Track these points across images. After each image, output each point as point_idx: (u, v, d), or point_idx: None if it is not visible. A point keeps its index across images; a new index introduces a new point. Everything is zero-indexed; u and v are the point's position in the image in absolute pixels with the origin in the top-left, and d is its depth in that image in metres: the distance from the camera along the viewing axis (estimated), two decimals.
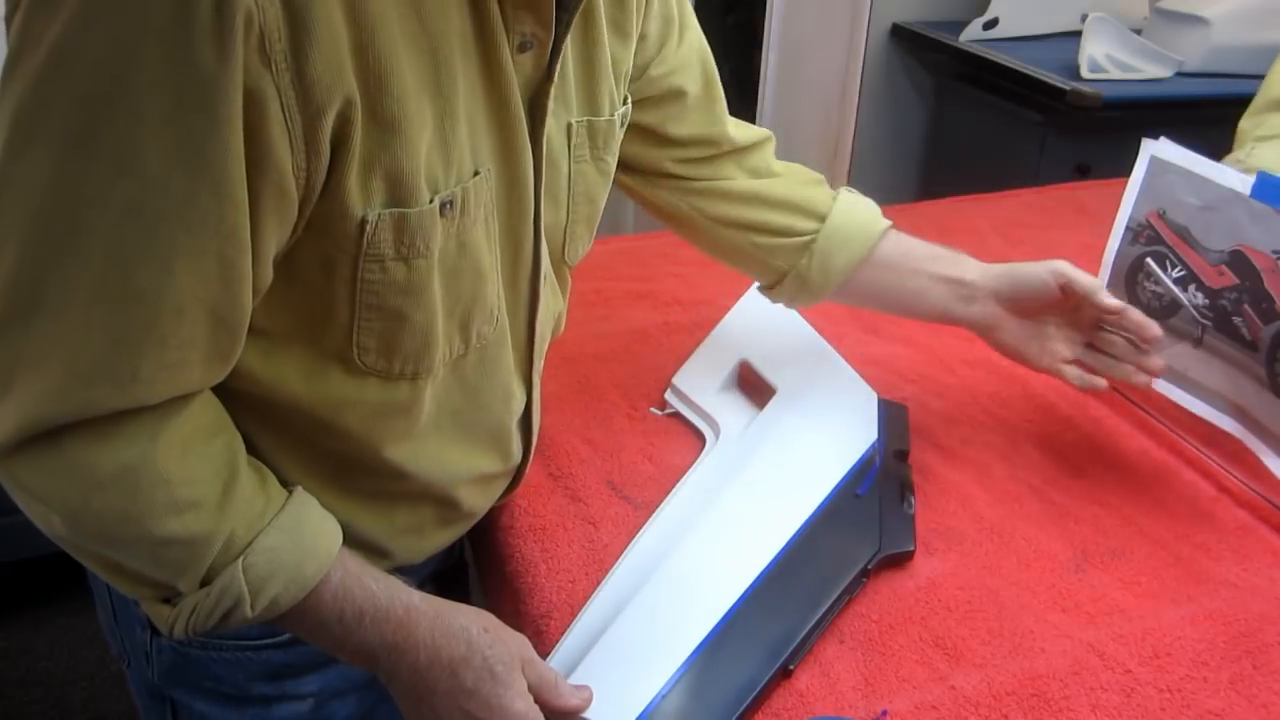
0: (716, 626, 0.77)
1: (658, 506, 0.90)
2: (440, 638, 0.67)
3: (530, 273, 0.74)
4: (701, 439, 0.99)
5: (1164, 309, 0.98)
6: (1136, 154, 0.97)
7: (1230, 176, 0.92)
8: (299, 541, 0.65)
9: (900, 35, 2.15)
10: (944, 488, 0.95)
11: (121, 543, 0.62)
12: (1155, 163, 0.97)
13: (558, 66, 0.68)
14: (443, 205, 0.62)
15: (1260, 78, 1.42)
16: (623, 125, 0.81)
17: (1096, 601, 0.83)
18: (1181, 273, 0.97)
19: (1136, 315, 0.90)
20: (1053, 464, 1.00)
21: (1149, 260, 0.99)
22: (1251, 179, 0.90)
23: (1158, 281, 0.99)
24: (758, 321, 1.12)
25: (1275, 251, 0.90)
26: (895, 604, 0.82)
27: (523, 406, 0.80)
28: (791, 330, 1.12)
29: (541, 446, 0.95)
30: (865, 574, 0.83)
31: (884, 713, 0.72)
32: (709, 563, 0.82)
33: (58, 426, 0.57)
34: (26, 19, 0.51)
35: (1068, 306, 0.93)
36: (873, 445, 0.96)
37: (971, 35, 2.10)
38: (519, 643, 0.70)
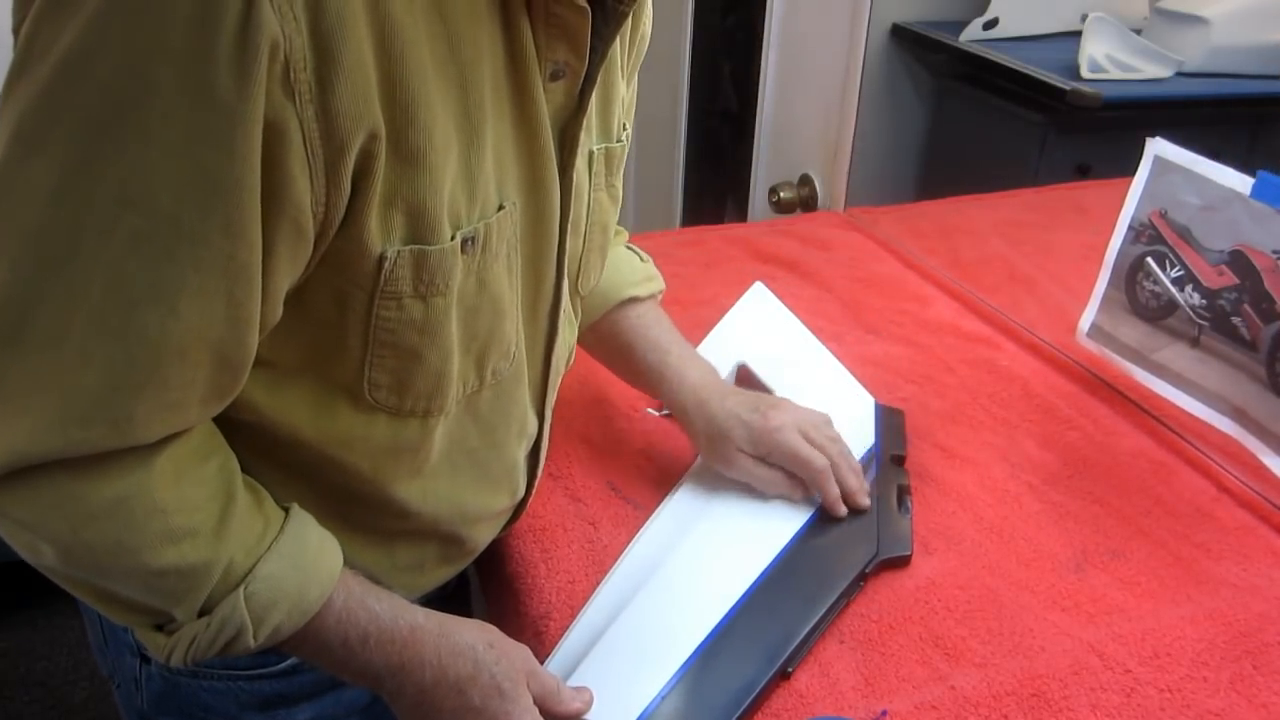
0: (715, 629, 0.77)
1: (656, 508, 0.90)
2: (446, 656, 0.66)
3: (550, 307, 0.72)
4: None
5: (1161, 308, 0.98)
6: (1137, 154, 0.97)
7: (1231, 177, 0.92)
8: (300, 566, 0.62)
9: (900, 35, 2.15)
10: (944, 488, 0.95)
11: (115, 574, 0.59)
12: (1159, 162, 0.97)
13: (591, 97, 0.66)
14: (465, 242, 0.60)
15: (1260, 78, 1.41)
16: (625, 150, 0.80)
17: (1096, 601, 0.83)
18: (1179, 273, 0.97)
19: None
20: (1053, 464, 0.99)
21: (1149, 260, 0.99)
22: (1251, 179, 0.90)
23: (1156, 281, 0.99)
24: (756, 325, 1.12)
25: (1275, 251, 0.90)
26: (895, 604, 0.82)
27: (533, 440, 0.79)
28: (789, 334, 1.13)
29: None
30: (863, 578, 0.83)
31: (884, 713, 0.72)
32: (707, 566, 0.82)
33: (47, 461, 0.54)
34: (36, 24, 0.49)
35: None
36: (870, 450, 0.96)
37: (971, 35, 2.10)
38: (523, 655, 0.70)
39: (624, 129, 0.78)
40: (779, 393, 1.01)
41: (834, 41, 1.65)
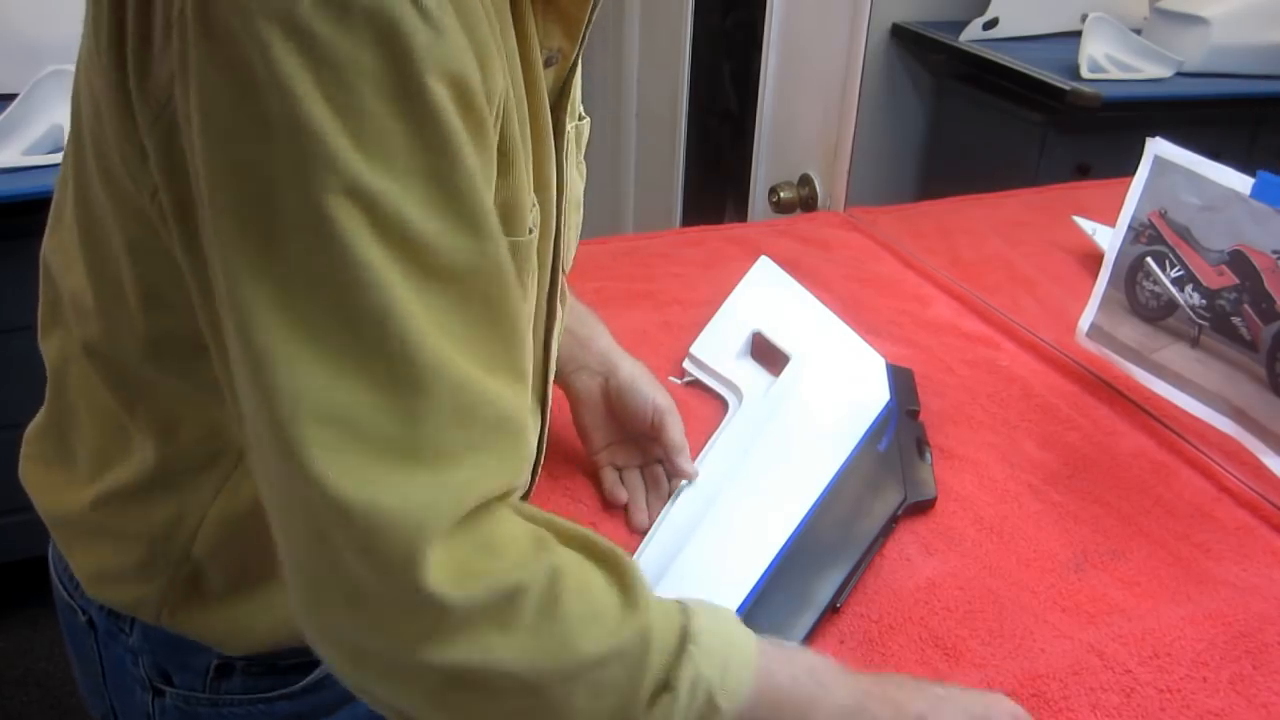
0: (761, 577, 0.80)
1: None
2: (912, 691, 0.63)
3: (549, 289, 0.72)
4: (704, 426, 0.99)
5: (1161, 308, 0.98)
6: (1136, 154, 0.97)
7: (1231, 177, 0.92)
8: (715, 610, 0.57)
9: (900, 35, 2.15)
10: (944, 488, 0.95)
11: (561, 682, 0.51)
12: (1159, 162, 0.97)
13: (575, 80, 0.66)
14: (531, 230, 0.60)
15: (1260, 78, 1.42)
16: None
17: (1096, 601, 0.83)
18: (1179, 273, 0.97)
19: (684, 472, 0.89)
20: (1053, 464, 0.99)
21: (1149, 260, 0.99)
22: (1251, 179, 0.90)
23: (1156, 281, 0.99)
24: (765, 295, 1.17)
25: (1275, 251, 0.90)
26: (895, 604, 0.82)
27: (536, 433, 0.77)
28: (799, 302, 1.17)
29: None
30: (895, 520, 0.88)
31: None
32: (746, 519, 0.86)
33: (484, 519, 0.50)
34: (205, 97, 0.45)
35: (647, 435, 0.90)
36: (887, 405, 1.00)
37: (971, 35, 2.10)
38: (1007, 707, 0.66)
39: (579, 105, 0.80)
40: (795, 356, 1.04)
41: (834, 41, 1.65)
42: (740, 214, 2.00)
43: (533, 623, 0.50)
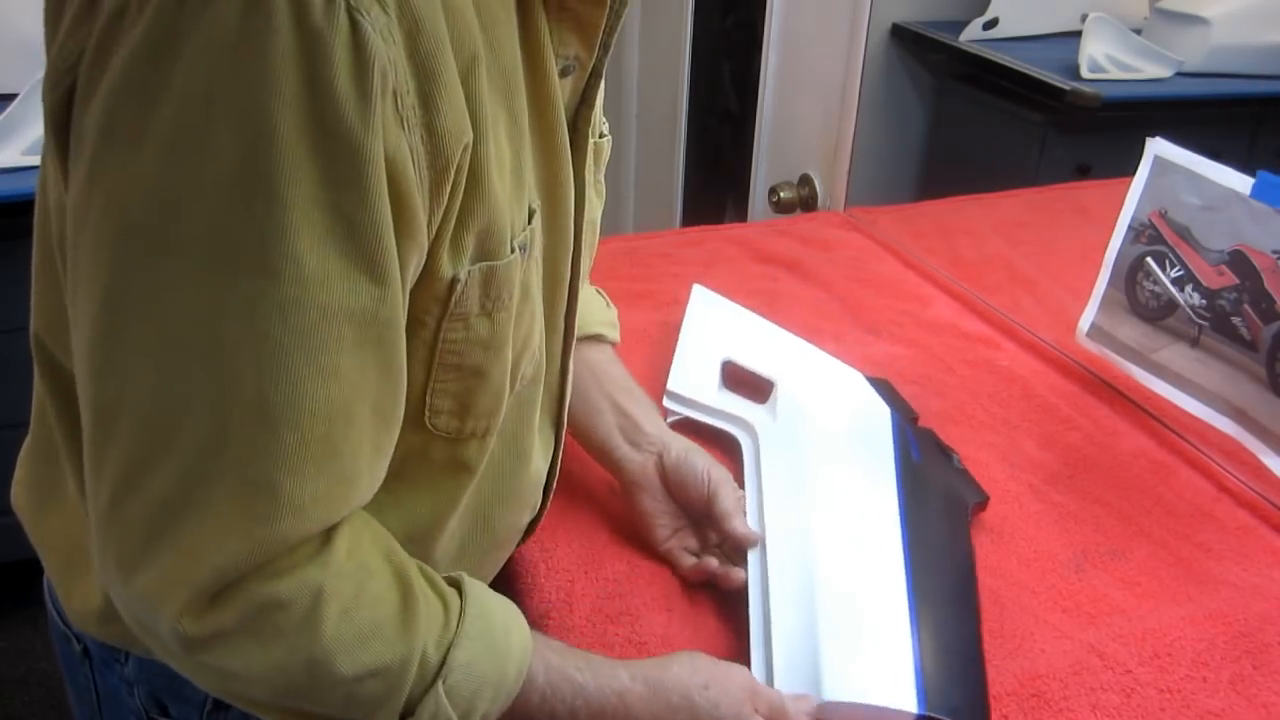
0: (914, 644, 0.75)
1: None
2: (664, 716, 0.63)
3: (566, 308, 0.70)
4: (702, 437, 0.99)
5: (1161, 309, 0.98)
6: (1137, 154, 0.97)
7: (1231, 177, 0.92)
8: (494, 647, 0.59)
9: (900, 35, 2.15)
10: None
11: (312, 692, 0.55)
12: (1159, 162, 0.97)
13: (597, 91, 0.64)
14: (521, 249, 0.58)
15: (1260, 78, 1.42)
16: None
17: (1096, 601, 0.83)
18: (1179, 273, 0.97)
19: (743, 536, 0.83)
20: (1053, 464, 0.99)
21: (1149, 260, 0.99)
22: (1251, 179, 0.90)
23: (1156, 281, 0.99)
24: (718, 324, 1.12)
25: (1275, 251, 0.90)
26: None
27: (550, 453, 0.76)
28: (752, 325, 1.13)
29: None
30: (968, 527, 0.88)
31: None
32: (857, 582, 0.80)
33: (231, 581, 0.50)
34: (111, 108, 0.45)
35: (701, 508, 0.86)
36: (894, 416, 0.97)
37: (971, 35, 2.10)
38: (739, 680, 0.67)
39: (604, 123, 0.78)
40: (776, 379, 1.01)
41: (834, 41, 1.65)
42: (740, 214, 2.00)
43: (290, 637, 0.53)
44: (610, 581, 0.83)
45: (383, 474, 0.56)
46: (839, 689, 0.71)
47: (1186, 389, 1.00)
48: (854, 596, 0.78)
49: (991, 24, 2.12)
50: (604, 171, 0.78)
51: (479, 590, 0.62)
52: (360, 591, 0.54)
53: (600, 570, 0.84)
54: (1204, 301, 0.95)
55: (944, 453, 0.94)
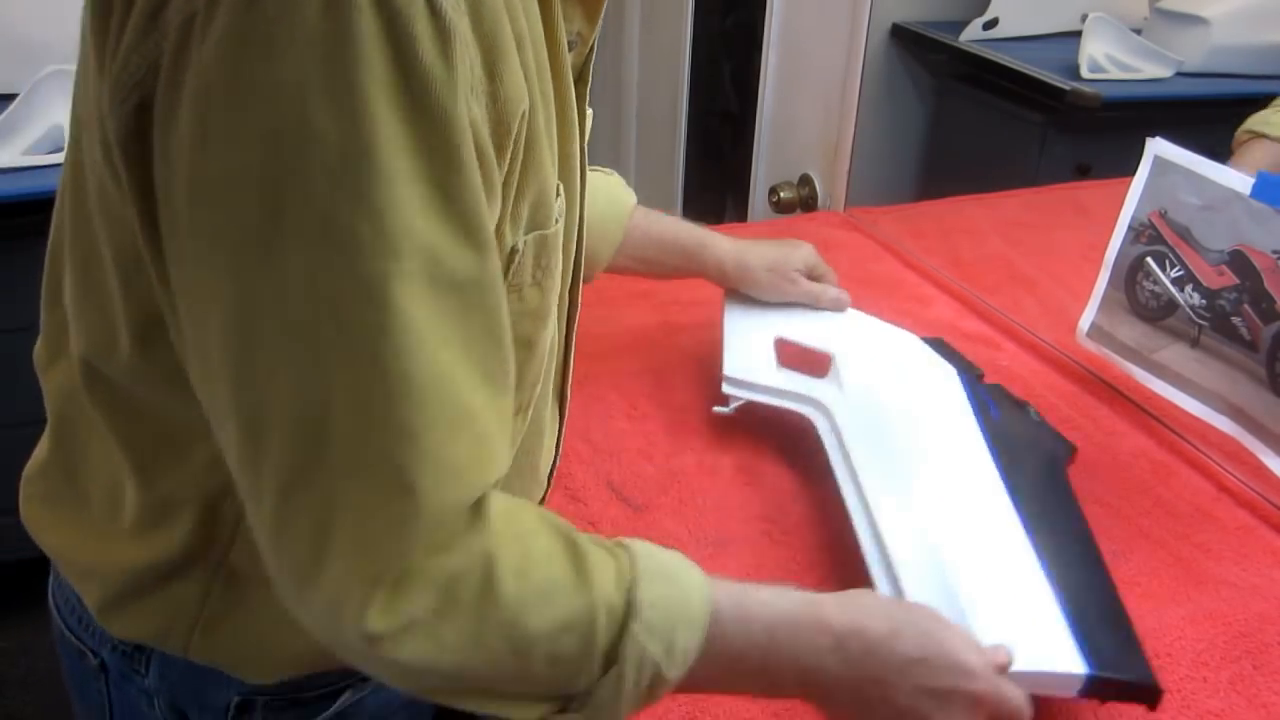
0: (1043, 563, 0.74)
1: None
2: (856, 615, 0.60)
3: (572, 281, 0.70)
4: (702, 437, 0.99)
5: (1161, 309, 0.98)
6: (1137, 154, 0.97)
7: (1231, 177, 0.92)
8: (671, 579, 0.57)
9: (900, 35, 2.15)
10: None
11: (514, 659, 0.53)
12: (1159, 162, 0.97)
13: (592, 65, 0.65)
14: (558, 220, 0.59)
15: (1260, 78, 1.42)
16: None
17: None
18: (1179, 273, 0.97)
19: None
20: None
21: (1149, 260, 0.99)
22: (1252, 179, 0.90)
23: (1156, 281, 0.99)
24: (758, 311, 1.10)
25: (1275, 251, 0.90)
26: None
27: (556, 429, 0.76)
28: (788, 308, 1.11)
29: None
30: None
31: None
32: (966, 514, 0.79)
33: (405, 567, 0.49)
34: (204, 113, 0.45)
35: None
36: (960, 374, 0.96)
37: (971, 35, 2.10)
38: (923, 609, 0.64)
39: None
40: (835, 351, 1.00)
41: (834, 41, 1.65)
42: (740, 214, 2.00)
43: (475, 606, 0.52)
44: None
45: (511, 440, 0.55)
46: (991, 636, 0.66)
47: (1186, 389, 1.00)
48: (983, 564, 0.75)
49: (991, 24, 2.12)
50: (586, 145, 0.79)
51: (636, 539, 0.60)
52: (528, 551, 0.54)
53: None
54: (1204, 301, 0.95)
55: (1019, 406, 0.93)
